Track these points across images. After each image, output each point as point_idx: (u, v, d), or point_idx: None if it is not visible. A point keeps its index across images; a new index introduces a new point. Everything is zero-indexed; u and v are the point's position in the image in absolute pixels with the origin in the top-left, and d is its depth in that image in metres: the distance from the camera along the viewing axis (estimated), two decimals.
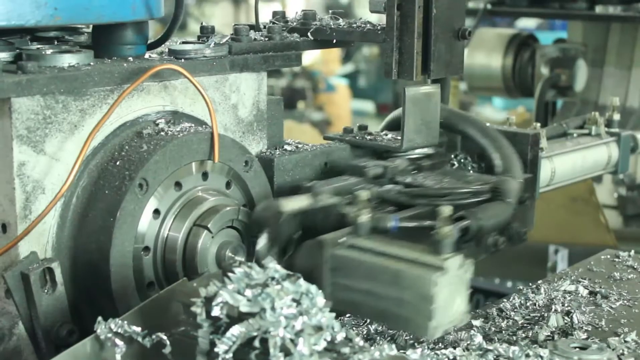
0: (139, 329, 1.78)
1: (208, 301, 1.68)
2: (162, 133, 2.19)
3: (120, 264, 2.07)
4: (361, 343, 1.71)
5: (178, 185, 2.20)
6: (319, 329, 1.65)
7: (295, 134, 9.89)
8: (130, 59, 2.29)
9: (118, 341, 1.78)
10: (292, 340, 1.61)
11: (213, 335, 1.68)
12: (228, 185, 2.33)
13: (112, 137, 2.17)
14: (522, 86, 5.47)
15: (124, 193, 2.07)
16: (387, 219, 2.09)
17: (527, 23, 10.67)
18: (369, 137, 2.76)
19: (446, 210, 1.91)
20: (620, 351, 2.08)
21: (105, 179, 2.11)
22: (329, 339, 1.65)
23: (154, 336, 1.77)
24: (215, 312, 1.67)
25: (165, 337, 1.77)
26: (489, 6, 5.46)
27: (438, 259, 1.88)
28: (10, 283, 1.97)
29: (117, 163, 2.12)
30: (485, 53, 5.53)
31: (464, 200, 2.34)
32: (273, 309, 1.64)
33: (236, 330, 1.63)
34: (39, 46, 2.21)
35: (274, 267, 1.73)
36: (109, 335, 1.78)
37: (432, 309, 1.85)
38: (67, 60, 2.12)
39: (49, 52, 2.14)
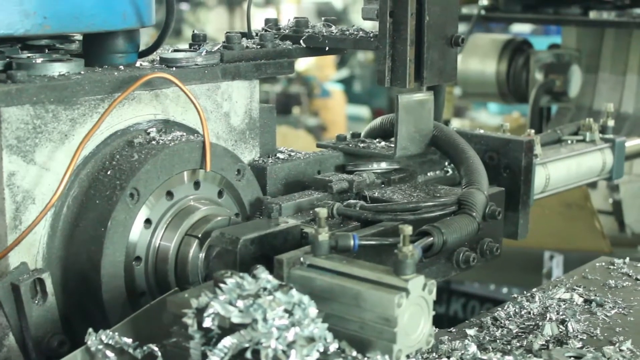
0: (130, 341, 1.77)
1: (200, 312, 1.68)
2: (154, 142, 2.18)
3: (112, 274, 2.06)
4: (354, 354, 1.70)
5: (169, 194, 2.19)
6: (311, 340, 1.63)
7: (290, 139, 9.89)
8: (121, 67, 2.28)
9: (109, 353, 1.77)
10: (284, 352, 1.60)
11: (205, 347, 1.67)
12: (220, 194, 2.32)
13: (102, 146, 2.16)
14: (517, 92, 5.47)
15: (115, 203, 2.06)
16: (347, 237, 1.99)
17: (521, 28, 10.69)
18: (362, 145, 2.75)
19: (407, 229, 1.81)
20: None
21: (96, 189, 2.10)
22: (321, 349, 1.64)
23: (145, 347, 1.76)
24: (207, 323, 1.66)
25: (156, 349, 1.76)
26: (483, 12, 5.46)
27: (400, 280, 1.79)
28: (1, 294, 1.96)
29: (108, 172, 2.11)
30: (479, 59, 5.53)
31: (429, 214, 2.27)
32: (265, 319, 1.63)
33: (228, 341, 1.62)
34: (29, 55, 2.20)
35: (266, 277, 1.72)
36: (100, 346, 1.76)
37: (395, 331, 1.78)
38: (58, 69, 2.11)
39: (39, 61, 2.12)
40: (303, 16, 2.76)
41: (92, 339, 1.77)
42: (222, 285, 1.69)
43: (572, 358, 2.03)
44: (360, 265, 1.88)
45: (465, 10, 5.46)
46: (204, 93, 2.39)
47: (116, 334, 1.78)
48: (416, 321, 1.82)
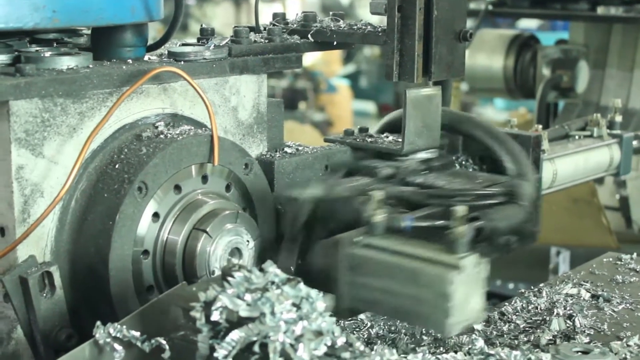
0: (138, 334, 1.77)
1: (207, 306, 1.67)
2: (162, 136, 2.18)
3: (120, 268, 2.06)
4: (362, 348, 1.69)
5: (177, 188, 2.19)
6: (319, 333, 1.64)
7: (296, 134, 9.88)
8: (130, 61, 2.28)
9: (117, 346, 1.77)
10: (292, 345, 1.60)
11: (212, 340, 1.67)
12: (228, 188, 2.32)
13: (111, 140, 2.16)
14: (524, 87, 5.45)
15: (123, 196, 2.06)
16: (401, 218, 2.10)
17: (528, 24, 10.67)
18: (369, 140, 2.75)
19: (461, 210, 1.94)
20: (623, 355, 2.07)
21: (104, 182, 2.10)
22: (329, 343, 1.63)
23: (152, 341, 1.76)
24: (215, 316, 1.66)
25: (164, 342, 1.75)
26: (490, 7, 5.44)
27: (454, 258, 1.91)
28: (9, 287, 1.96)
29: (116, 166, 2.11)
30: (486, 54, 5.51)
31: (479, 201, 2.34)
32: (273, 313, 1.63)
33: (236, 335, 1.62)
34: (37, 48, 2.20)
35: (274, 271, 1.72)
36: (108, 340, 1.77)
37: (449, 306, 1.89)
38: (66, 62, 2.11)
39: (47, 54, 2.12)
40: (310, 10, 2.76)
41: (100, 332, 1.77)
42: (230, 278, 1.69)
43: (579, 353, 2.03)
44: (415, 244, 2.00)
45: (472, 5, 5.45)
46: (212, 87, 2.39)
47: (124, 327, 1.78)
48: (468, 297, 1.92)
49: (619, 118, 3.38)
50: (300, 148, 2.61)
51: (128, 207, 2.06)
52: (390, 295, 1.97)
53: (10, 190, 1.99)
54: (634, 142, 3.42)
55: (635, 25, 5.06)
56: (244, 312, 1.64)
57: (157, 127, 2.22)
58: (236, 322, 1.64)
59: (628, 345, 2.13)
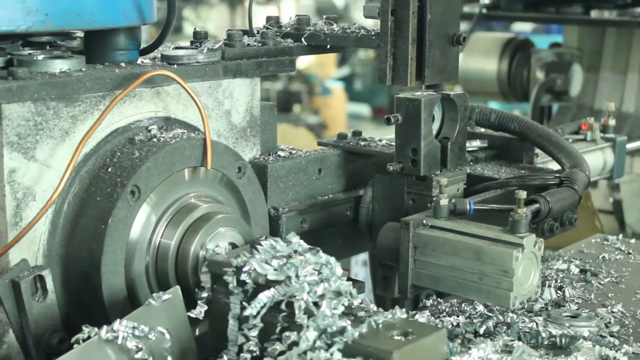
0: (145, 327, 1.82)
1: (238, 270, 1.88)
2: (154, 139, 2.18)
3: (112, 272, 2.06)
4: (375, 308, 1.84)
5: (170, 192, 2.18)
6: (338, 294, 1.83)
7: (290, 137, 9.89)
8: (123, 64, 2.28)
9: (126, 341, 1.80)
10: (314, 303, 1.78)
11: (244, 301, 1.86)
12: (220, 191, 2.31)
13: (103, 143, 2.16)
14: (518, 90, 5.46)
15: (115, 200, 2.06)
16: (464, 202, 2.28)
17: (522, 27, 10.68)
18: (363, 143, 2.76)
19: (522, 194, 2.13)
20: (608, 320, 2.27)
21: (96, 186, 2.10)
22: (346, 303, 1.80)
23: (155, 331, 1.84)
24: (244, 277, 1.86)
25: (164, 330, 1.84)
26: (484, 10, 5.45)
27: (516, 237, 2.11)
28: (1, 291, 1.96)
29: (109, 170, 2.11)
30: (480, 57, 5.52)
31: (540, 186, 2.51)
32: (297, 276, 1.83)
33: (264, 295, 1.82)
34: (30, 52, 2.20)
35: (298, 241, 1.93)
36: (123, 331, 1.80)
37: (512, 281, 2.09)
38: (59, 66, 2.11)
39: (40, 57, 2.12)
40: (303, 14, 2.76)
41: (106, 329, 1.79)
42: (258, 246, 1.90)
43: (568, 317, 2.23)
44: (478, 225, 2.20)
45: (466, 8, 5.46)
46: (206, 90, 2.38)
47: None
48: (528, 273, 2.14)
49: (612, 122, 3.38)
50: (293, 152, 2.61)
51: (120, 210, 2.06)
52: (454, 272, 2.19)
53: (2, 193, 1.98)
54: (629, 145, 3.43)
55: (628, 28, 5.07)
56: (271, 276, 1.84)
57: (150, 131, 2.21)
58: (264, 285, 1.84)
59: (612, 312, 2.32)
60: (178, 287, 1.97)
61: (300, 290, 1.79)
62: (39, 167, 2.04)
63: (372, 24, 2.63)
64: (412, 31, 2.40)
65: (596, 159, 3.27)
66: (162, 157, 2.13)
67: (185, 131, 2.26)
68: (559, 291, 2.44)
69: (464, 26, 5.35)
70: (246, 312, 1.82)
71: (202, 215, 2.20)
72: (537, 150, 2.88)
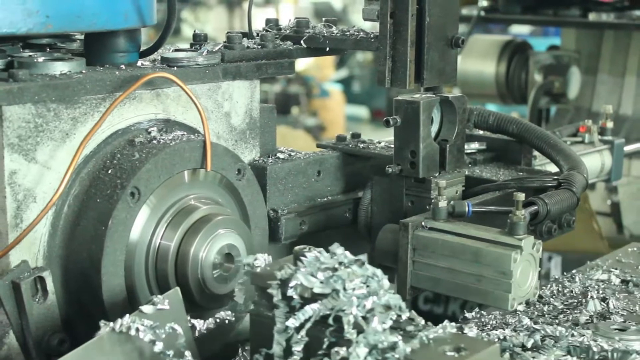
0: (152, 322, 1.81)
1: (283, 283, 1.79)
2: (154, 141, 2.18)
3: (112, 273, 2.07)
4: (422, 322, 1.79)
5: (170, 193, 2.19)
6: (387, 308, 1.76)
7: (289, 139, 9.89)
8: (123, 66, 2.28)
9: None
10: (364, 318, 1.71)
11: (288, 315, 1.77)
12: (220, 193, 2.32)
13: (104, 145, 2.17)
14: (516, 93, 5.46)
15: (115, 201, 2.06)
16: (462, 204, 2.29)
17: (520, 29, 10.69)
18: (361, 145, 2.76)
19: (521, 196, 2.14)
20: None
21: (96, 188, 2.11)
22: (394, 318, 1.74)
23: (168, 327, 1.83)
24: (290, 292, 1.77)
25: (177, 327, 1.83)
26: (482, 13, 5.46)
27: (515, 239, 2.12)
28: (1, 292, 1.96)
29: (109, 171, 2.12)
30: (479, 60, 5.52)
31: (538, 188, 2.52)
32: (345, 289, 1.75)
33: (311, 308, 1.74)
34: (31, 54, 2.20)
35: (343, 252, 1.84)
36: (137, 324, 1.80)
37: (511, 283, 2.11)
38: (59, 68, 2.12)
39: (40, 59, 2.13)
40: (302, 16, 2.76)
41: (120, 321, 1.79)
42: (303, 258, 1.81)
43: (617, 331, 2.15)
44: (476, 227, 2.21)
45: (464, 11, 5.47)
46: (205, 93, 2.39)
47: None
48: (526, 275, 2.15)
49: (610, 124, 3.39)
50: (292, 154, 2.61)
51: (121, 212, 2.07)
52: (453, 274, 2.20)
53: (2, 195, 1.99)
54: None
55: (626, 31, 5.08)
56: (317, 289, 1.75)
57: (149, 133, 2.22)
58: (310, 298, 1.76)
59: None
60: (178, 289, 1.98)
61: (348, 304, 1.72)
62: (39, 169, 2.04)
63: (371, 27, 2.64)
64: (411, 34, 2.41)
65: (594, 161, 3.27)
66: (162, 159, 2.14)
67: (185, 133, 2.27)
68: (602, 302, 2.35)
69: (462, 29, 5.36)
70: (289, 323, 1.75)
71: (201, 217, 2.21)
72: (535, 153, 2.88)
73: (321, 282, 1.76)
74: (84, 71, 2.16)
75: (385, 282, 1.79)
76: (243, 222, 2.34)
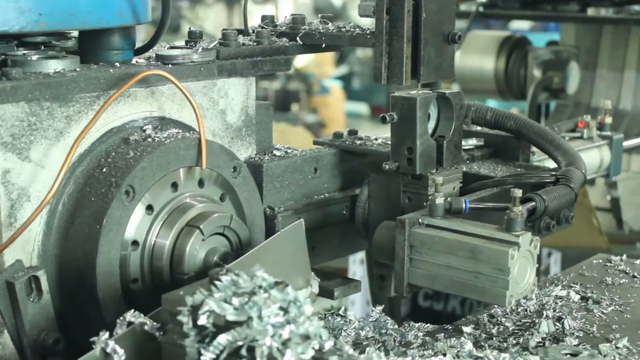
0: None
1: (195, 310, 1.66)
2: (149, 139, 2.17)
3: (107, 272, 2.05)
4: (350, 351, 1.68)
5: (165, 191, 2.18)
6: (306, 337, 1.63)
7: (289, 136, 9.89)
8: (117, 64, 2.27)
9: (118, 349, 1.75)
10: (279, 350, 1.59)
11: (199, 344, 1.66)
12: (219, 194, 2.31)
13: (98, 143, 2.16)
14: (515, 88, 5.46)
15: (110, 200, 2.05)
16: (459, 201, 2.28)
17: (519, 25, 10.68)
18: (358, 142, 2.75)
19: (518, 192, 2.13)
20: (612, 358, 2.07)
21: (91, 186, 2.09)
22: (317, 347, 1.62)
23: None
24: (202, 320, 1.65)
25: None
26: (481, 8, 5.45)
27: (512, 236, 2.11)
28: None
29: (104, 170, 2.10)
30: (477, 55, 5.52)
31: (530, 180, 2.54)
32: (260, 317, 1.62)
33: (223, 339, 1.62)
34: (24, 52, 2.19)
35: (262, 275, 1.71)
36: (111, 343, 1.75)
37: (508, 280, 2.09)
38: (53, 66, 2.11)
39: (34, 58, 2.12)
40: (300, 13, 2.75)
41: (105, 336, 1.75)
42: (217, 282, 1.69)
43: (568, 355, 2.05)
44: (473, 224, 2.20)
45: (463, 7, 5.46)
46: (200, 90, 2.38)
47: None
48: (524, 271, 2.13)
49: (609, 119, 3.38)
50: (289, 151, 2.60)
51: (115, 210, 2.06)
52: (450, 271, 2.19)
53: None
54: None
55: (625, 26, 5.07)
56: (231, 317, 1.63)
57: (144, 131, 2.21)
58: (223, 326, 1.63)
59: (617, 348, 2.13)
60: (302, 220, 2.19)
61: (262, 333, 1.59)
62: (33, 168, 2.03)
63: (368, 23, 2.63)
64: (407, 30, 2.40)
65: (593, 156, 3.27)
66: (156, 157, 2.13)
67: (180, 131, 2.25)
68: (557, 323, 2.26)
69: (461, 24, 5.36)
70: (203, 357, 1.62)
71: (197, 215, 2.20)
72: (534, 149, 2.87)
73: (235, 309, 1.64)
74: (77, 69, 2.15)
75: (307, 308, 1.67)
76: (239, 220, 2.32)
